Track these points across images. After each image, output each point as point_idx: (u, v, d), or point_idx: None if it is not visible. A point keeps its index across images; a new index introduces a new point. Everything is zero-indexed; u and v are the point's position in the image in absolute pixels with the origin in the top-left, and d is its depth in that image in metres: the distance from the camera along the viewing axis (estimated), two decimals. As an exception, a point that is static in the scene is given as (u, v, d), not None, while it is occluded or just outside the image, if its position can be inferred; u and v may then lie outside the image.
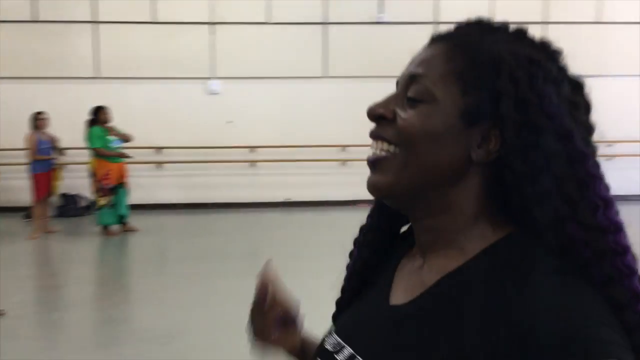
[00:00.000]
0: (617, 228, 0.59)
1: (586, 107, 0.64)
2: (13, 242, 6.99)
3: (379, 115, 0.66)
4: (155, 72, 8.80)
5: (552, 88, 0.60)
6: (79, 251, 6.84)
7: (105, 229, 7.18)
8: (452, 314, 0.60)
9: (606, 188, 0.60)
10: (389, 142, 0.64)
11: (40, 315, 4.52)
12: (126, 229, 7.33)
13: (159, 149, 8.83)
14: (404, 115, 0.64)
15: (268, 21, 8.87)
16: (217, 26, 8.92)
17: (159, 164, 8.95)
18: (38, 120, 7.13)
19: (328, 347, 0.72)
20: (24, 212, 7.90)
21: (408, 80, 0.65)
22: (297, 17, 8.66)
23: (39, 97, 8.22)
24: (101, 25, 8.85)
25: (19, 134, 7.27)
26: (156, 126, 8.64)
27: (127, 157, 7.34)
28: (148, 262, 6.20)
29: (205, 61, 8.93)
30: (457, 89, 0.62)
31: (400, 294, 0.68)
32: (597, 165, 0.61)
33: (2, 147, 8.09)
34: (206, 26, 8.93)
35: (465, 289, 0.61)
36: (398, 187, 0.64)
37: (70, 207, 8.53)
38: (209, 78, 8.97)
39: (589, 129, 0.63)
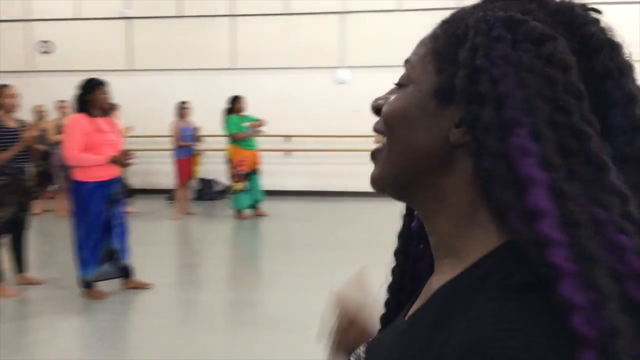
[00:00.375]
0: None
1: (620, 70, 0.51)
2: (158, 221, 7.63)
3: (378, 107, 0.62)
4: (286, 62, 9.07)
5: (525, 54, 0.49)
6: (215, 232, 7.27)
7: (239, 212, 7.56)
8: (435, 332, 0.51)
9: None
10: (383, 134, 0.60)
11: (178, 292, 4.88)
12: (257, 214, 7.67)
13: (288, 137, 9.11)
14: (390, 98, 0.60)
15: (398, 8, 8.75)
16: (347, 15, 8.97)
17: (288, 151, 9.23)
18: (182, 109, 7.67)
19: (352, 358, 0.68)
20: (168, 194, 8.57)
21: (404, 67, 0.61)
22: (430, 4, 8.41)
23: (181, 88, 8.85)
24: (238, 19, 9.29)
25: (164, 122, 7.87)
26: (286, 115, 8.91)
27: (260, 134, 7.53)
28: (277, 247, 6.42)
29: (334, 50, 9.03)
30: (433, 67, 0.55)
31: (416, 306, 0.61)
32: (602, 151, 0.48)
33: (149, 134, 8.82)
34: (336, 15, 9.01)
35: (451, 305, 0.51)
36: (386, 177, 0.59)
37: (207, 191, 9.11)
38: (337, 67, 9.07)
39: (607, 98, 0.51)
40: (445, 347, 0.47)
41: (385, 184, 0.60)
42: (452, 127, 0.53)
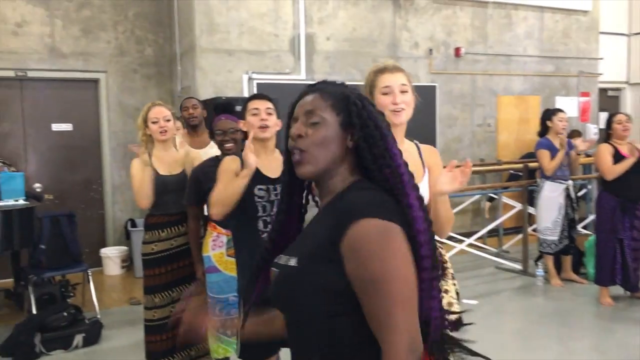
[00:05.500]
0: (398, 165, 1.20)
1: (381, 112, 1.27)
2: None
3: (299, 135, 1.22)
4: None
5: (369, 106, 1.24)
6: None
7: None
8: (324, 216, 1.22)
9: (396, 148, 1.22)
10: (302, 150, 1.21)
11: None
12: None
13: None
14: (311, 132, 1.21)
15: None
16: None
17: None
18: None
19: (277, 259, 1.25)
20: None
21: (307, 114, 1.22)
22: None
23: None
24: None
25: None
26: None
27: None
28: None
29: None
30: (334, 113, 1.22)
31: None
32: (393, 138, 1.23)
33: None
34: None
35: (330, 206, 1.22)
36: (317, 170, 1.21)
37: None
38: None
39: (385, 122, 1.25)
40: (334, 210, 1.17)
41: (316, 174, 1.22)
42: (348, 140, 1.22)
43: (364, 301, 1.07)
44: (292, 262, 1.16)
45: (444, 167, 1.96)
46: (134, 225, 6.35)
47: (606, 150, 4.63)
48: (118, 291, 5.66)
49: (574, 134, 7.12)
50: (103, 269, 6.18)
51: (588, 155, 6.92)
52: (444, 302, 2.12)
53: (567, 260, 5.44)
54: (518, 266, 5.82)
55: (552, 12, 8.17)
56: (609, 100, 9.83)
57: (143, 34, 6.69)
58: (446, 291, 2.14)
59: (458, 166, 1.86)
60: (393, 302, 1.04)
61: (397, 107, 1.98)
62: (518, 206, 6.53)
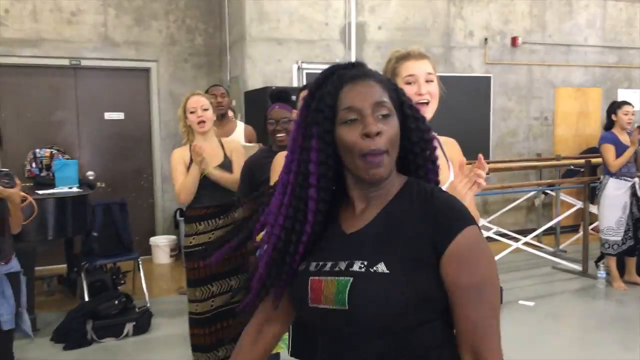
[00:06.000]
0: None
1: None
2: None
3: (378, 132, 1.05)
4: None
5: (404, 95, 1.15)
6: None
7: None
8: (403, 215, 1.08)
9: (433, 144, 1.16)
10: (384, 151, 1.06)
11: None
12: None
13: None
14: (385, 127, 1.06)
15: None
16: None
17: None
18: None
19: (327, 268, 1.09)
20: None
21: (377, 106, 1.06)
22: None
23: None
24: None
25: None
26: None
27: None
28: None
29: None
30: (392, 104, 1.09)
31: (349, 228, 1.13)
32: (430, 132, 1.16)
33: None
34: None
35: (403, 207, 1.09)
36: (390, 173, 1.10)
37: None
38: None
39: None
40: (428, 212, 1.05)
41: (387, 177, 1.10)
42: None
43: (463, 308, 1.03)
44: (379, 268, 1.03)
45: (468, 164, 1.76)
46: (182, 215, 6.37)
47: (679, 147, 4.34)
48: (167, 280, 5.70)
49: (638, 128, 6.74)
50: (152, 257, 6.25)
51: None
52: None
53: (632, 262, 5.14)
54: (577, 267, 5.55)
55: (616, 0, 7.75)
56: (675, 93, 9.29)
57: (193, 23, 6.68)
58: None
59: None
60: (492, 309, 1.04)
61: (423, 98, 1.77)
62: (578, 204, 6.23)
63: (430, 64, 1.83)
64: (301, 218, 1.11)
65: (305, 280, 1.11)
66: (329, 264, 1.09)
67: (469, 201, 1.76)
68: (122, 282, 4.84)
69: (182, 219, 6.26)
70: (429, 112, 1.79)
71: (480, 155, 1.67)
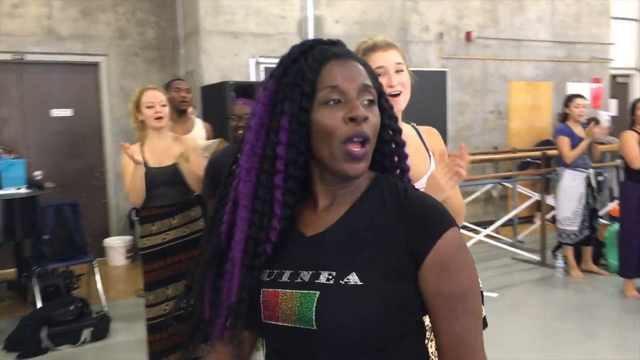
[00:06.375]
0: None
1: None
2: None
3: (366, 117, 0.92)
4: None
5: None
6: None
7: None
8: (375, 216, 0.94)
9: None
10: (368, 137, 0.93)
11: None
12: None
13: None
14: (370, 114, 0.93)
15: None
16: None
17: None
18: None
19: (285, 279, 0.93)
20: None
21: (363, 89, 0.93)
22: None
23: None
24: None
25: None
26: None
27: None
28: None
29: None
30: (376, 91, 0.96)
31: (309, 229, 0.97)
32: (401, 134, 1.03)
33: None
34: None
35: (374, 206, 0.95)
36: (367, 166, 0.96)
37: None
38: None
39: None
40: (403, 214, 0.92)
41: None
42: None
43: (447, 321, 0.91)
44: (351, 280, 0.88)
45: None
46: (137, 214, 6.14)
47: (631, 138, 4.46)
48: (123, 283, 5.48)
49: (591, 121, 6.95)
50: (107, 259, 5.99)
51: (602, 143, 6.75)
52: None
53: (588, 251, 5.29)
54: (536, 257, 5.67)
55: (564, -4, 7.97)
56: (618, 86, 9.67)
57: (144, 16, 6.44)
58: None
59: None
60: (477, 319, 0.93)
61: (394, 89, 1.71)
62: (535, 196, 6.36)
63: (399, 53, 1.76)
64: (268, 212, 0.93)
65: (256, 291, 0.94)
66: (287, 274, 0.93)
67: (452, 191, 1.71)
68: (76, 286, 4.62)
69: (137, 218, 6.03)
70: (401, 103, 1.74)
71: (462, 145, 1.61)
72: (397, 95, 1.72)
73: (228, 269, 0.95)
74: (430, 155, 1.81)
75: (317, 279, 0.90)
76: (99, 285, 4.50)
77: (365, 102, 0.92)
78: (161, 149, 3.02)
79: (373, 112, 0.94)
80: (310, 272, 0.91)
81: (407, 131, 1.81)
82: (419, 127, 1.89)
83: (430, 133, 1.88)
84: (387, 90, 1.68)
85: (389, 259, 0.89)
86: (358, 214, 0.95)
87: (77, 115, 6.23)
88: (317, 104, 0.91)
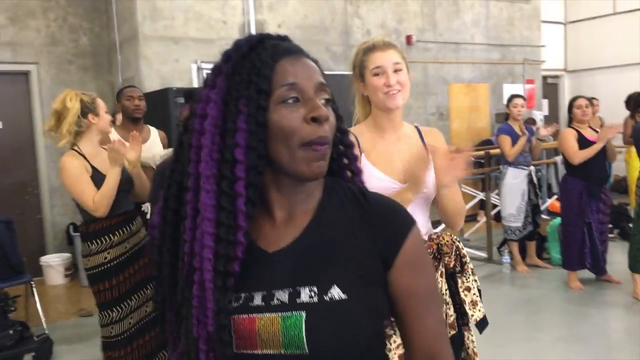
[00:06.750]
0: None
1: None
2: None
3: (328, 117, 0.86)
4: None
5: None
6: None
7: None
8: (339, 224, 0.90)
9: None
10: (329, 139, 0.88)
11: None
12: None
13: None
14: (329, 115, 0.88)
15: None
16: None
17: None
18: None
19: (257, 302, 0.84)
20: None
21: (321, 88, 0.87)
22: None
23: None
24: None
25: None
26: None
27: None
28: None
29: None
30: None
31: (270, 245, 0.89)
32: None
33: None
34: None
35: (336, 213, 0.91)
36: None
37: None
38: None
39: None
40: (367, 219, 0.90)
41: None
42: None
43: (420, 316, 0.91)
44: (335, 294, 0.83)
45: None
46: (76, 230, 5.85)
47: (571, 135, 4.63)
48: (64, 302, 5.18)
49: (529, 121, 7.20)
50: (44, 278, 5.66)
51: (542, 141, 7.00)
52: (467, 300, 1.95)
53: (532, 246, 5.45)
54: (482, 254, 5.79)
55: (497, 0, 8.24)
56: (549, 87, 10.09)
57: (77, 22, 6.16)
58: (468, 289, 1.95)
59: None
60: (441, 313, 0.98)
61: (392, 89, 1.78)
62: (480, 195, 6.51)
63: (398, 53, 1.84)
64: (233, 224, 0.83)
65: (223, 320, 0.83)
66: (258, 296, 0.84)
67: (453, 190, 1.77)
68: (13, 308, 4.31)
69: (77, 234, 5.75)
70: (399, 101, 1.79)
71: (466, 145, 1.71)
72: (395, 94, 1.78)
73: (195, 293, 0.83)
74: (429, 157, 1.84)
75: (299, 298, 0.83)
76: (39, 307, 4.23)
77: (323, 101, 0.87)
78: (100, 155, 2.87)
79: (330, 112, 0.88)
80: (287, 291, 0.84)
81: (408, 131, 1.90)
82: (422, 128, 1.95)
83: (432, 134, 1.94)
84: (385, 90, 1.76)
85: (362, 266, 0.87)
86: (322, 223, 0.90)
87: (7, 127, 5.87)
88: (273, 104, 0.84)
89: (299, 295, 0.83)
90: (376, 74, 1.79)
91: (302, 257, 0.87)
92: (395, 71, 1.78)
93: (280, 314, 0.82)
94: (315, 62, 0.91)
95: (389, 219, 0.90)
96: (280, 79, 0.84)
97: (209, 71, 0.92)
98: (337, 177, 0.97)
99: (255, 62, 0.85)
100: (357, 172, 0.99)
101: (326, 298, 0.82)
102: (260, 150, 0.84)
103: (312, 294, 0.83)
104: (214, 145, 0.84)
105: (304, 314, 0.81)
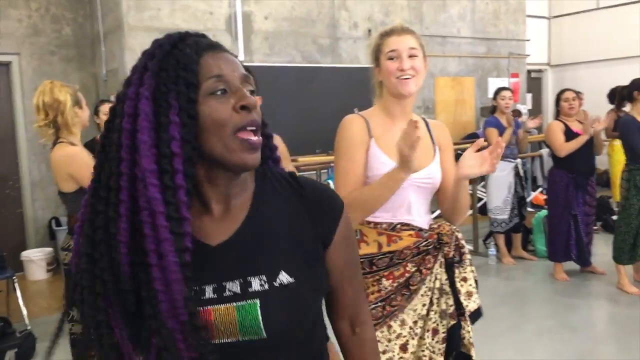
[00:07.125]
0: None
1: None
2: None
3: (256, 105, 0.90)
4: None
5: None
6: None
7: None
8: (278, 210, 0.95)
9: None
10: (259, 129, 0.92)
11: None
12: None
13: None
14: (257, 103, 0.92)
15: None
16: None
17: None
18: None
19: (209, 295, 0.88)
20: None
21: (246, 79, 0.91)
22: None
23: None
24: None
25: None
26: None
27: None
28: None
29: None
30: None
31: (212, 238, 0.91)
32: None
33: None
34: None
35: (272, 201, 0.96)
36: None
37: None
38: None
39: None
40: (304, 203, 0.97)
41: None
42: None
43: (344, 285, 1.04)
44: (283, 279, 0.89)
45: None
46: (58, 224, 5.76)
47: (557, 127, 4.66)
48: (46, 298, 5.10)
49: (514, 113, 7.22)
50: (25, 274, 5.56)
51: (529, 132, 7.03)
52: (463, 290, 1.94)
53: (517, 238, 5.48)
54: (468, 246, 5.79)
55: (483, -6, 8.25)
56: (533, 81, 10.15)
57: (60, 12, 6.04)
58: (464, 279, 1.94)
59: (482, 148, 1.68)
60: (361, 278, 1.12)
61: (404, 73, 1.75)
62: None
63: (415, 39, 1.81)
64: (180, 216, 0.84)
65: None
66: (209, 289, 0.88)
67: (465, 184, 1.77)
68: (-6, 304, 4.24)
69: (59, 228, 5.66)
70: (412, 87, 1.77)
71: (499, 139, 1.72)
72: (408, 79, 1.75)
73: (159, 289, 0.83)
74: (435, 148, 1.87)
75: (250, 287, 0.88)
76: (21, 302, 4.15)
77: (248, 92, 0.90)
78: (84, 150, 2.80)
79: (257, 102, 0.93)
80: (238, 282, 0.88)
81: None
82: (429, 121, 1.95)
83: (439, 127, 1.95)
84: (397, 74, 1.72)
85: (304, 248, 0.94)
86: (260, 212, 0.95)
87: (-13, 119, 5.76)
88: (201, 96, 0.87)
89: (250, 285, 0.88)
90: (390, 58, 1.77)
91: (247, 247, 0.91)
92: (411, 57, 1.76)
93: (234, 304, 0.87)
94: (235, 56, 0.95)
95: (323, 201, 0.99)
96: (206, 72, 0.87)
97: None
98: (262, 167, 1.00)
99: (179, 57, 0.87)
100: (277, 161, 1.05)
101: (276, 284, 0.88)
102: (194, 143, 0.86)
103: (262, 282, 0.88)
104: (150, 140, 0.85)
105: (257, 301, 0.87)
